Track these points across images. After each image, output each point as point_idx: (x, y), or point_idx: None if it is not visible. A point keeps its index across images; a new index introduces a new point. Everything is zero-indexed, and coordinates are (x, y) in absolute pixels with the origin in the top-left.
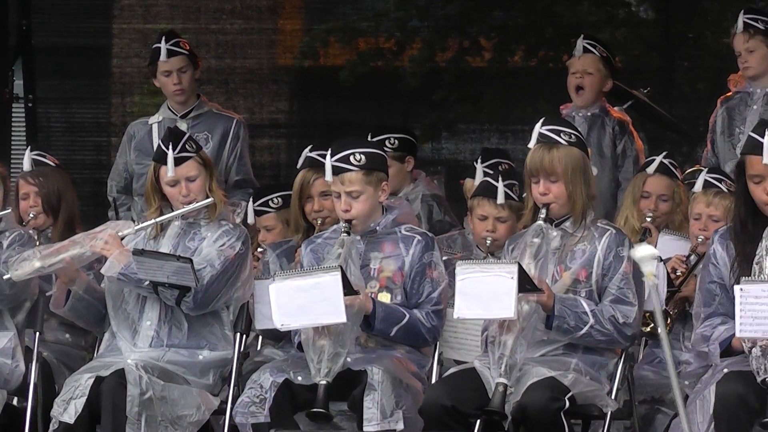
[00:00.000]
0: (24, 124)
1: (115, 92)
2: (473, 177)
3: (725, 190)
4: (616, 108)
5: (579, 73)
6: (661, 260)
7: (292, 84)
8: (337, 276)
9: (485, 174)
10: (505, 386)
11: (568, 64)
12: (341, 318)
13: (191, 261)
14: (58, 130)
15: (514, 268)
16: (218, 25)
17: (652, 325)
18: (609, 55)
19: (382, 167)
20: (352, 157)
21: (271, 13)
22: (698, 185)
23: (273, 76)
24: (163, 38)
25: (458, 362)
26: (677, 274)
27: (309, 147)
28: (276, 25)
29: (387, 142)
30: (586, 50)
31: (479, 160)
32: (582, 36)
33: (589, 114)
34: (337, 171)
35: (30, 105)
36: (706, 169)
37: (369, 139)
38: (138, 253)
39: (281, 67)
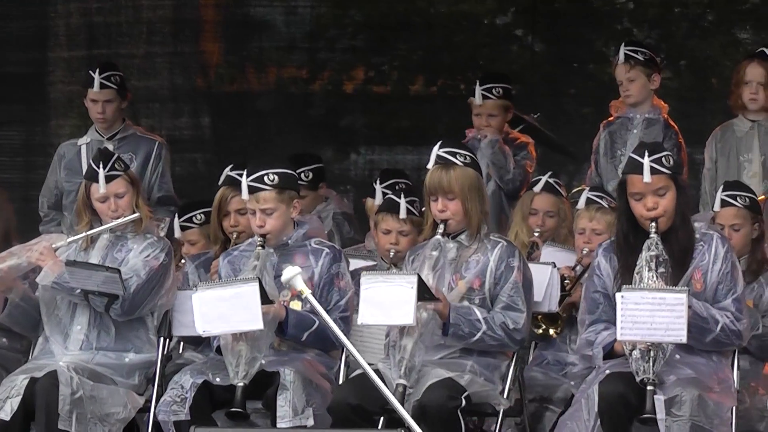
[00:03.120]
0: None
1: (43, 116)
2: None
3: (606, 206)
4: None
5: (482, 116)
6: (555, 266)
7: (204, 104)
8: (255, 286)
9: (384, 193)
10: (405, 387)
11: (470, 103)
12: (258, 325)
13: (119, 271)
14: None
15: (414, 279)
16: (126, 50)
17: (544, 327)
18: (508, 87)
19: (294, 186)
20: (266, 177)
21: (173, 38)
22: (581, 202)
23: (173, 95)
24: (98, 69)
25: None
26: (565, 281)
27: (230, 166)
28: (178, 49)
29: (302, 175)
30: (485, 97)
31: (378, 181)
32: (478, 82)
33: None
34: (252, 190)
35: None
36: (588, 188)
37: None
38: (70, 263)
39: (184, 88)
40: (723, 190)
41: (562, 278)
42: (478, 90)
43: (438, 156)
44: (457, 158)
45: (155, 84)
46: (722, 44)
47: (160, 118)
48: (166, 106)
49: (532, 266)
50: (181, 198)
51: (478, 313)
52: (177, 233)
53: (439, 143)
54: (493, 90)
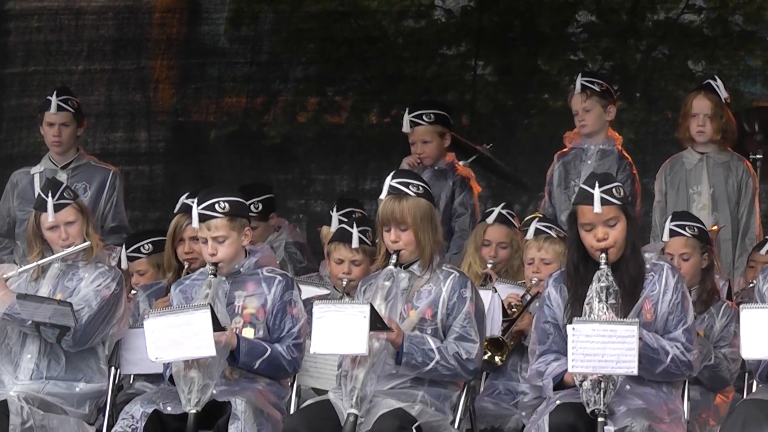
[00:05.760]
0: None
1: None
2: (329, 224)
3: (555, 236)
4: (461, 162)
5: (417, 144)
6: (496, 291)
7: (143, 120)
8: (207, 313)
9: (340, 221)
10: (356, 416)
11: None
12: (210, 351)
13: (71, 305)
14: None
15: (367, 309)
16: (65, 67)
17: (490, 353)
18: (442, 113)
19: (245, 213)
20: (217, 205)
21: (114, 56)
22: (530, 233)
23: (109, 110)
24: (55, 92)
25: (316, 391)
26: (513, 309)
27: (185, 194)
28: (119, 65)
29: (252, 206)
30: (415, 123)
31: (335, 209)
32: (407, 110)
33: (435, 168)
34: (203, 218)
35: None
36: (536, 219)
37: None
38: (21, 297)
39: (121, 104)
40: (671, 220)
41: (510, 306)
42: (406, 117)
43: (391, 186)
44: (409, 189)
45: (92, 99)
46: (676, 76)
47: (93, 132)
48: (102, 121)
49: None
50: None
51: (432, 343)
52: (124, 264)
53: (391, 174)
54: (423, 116)
